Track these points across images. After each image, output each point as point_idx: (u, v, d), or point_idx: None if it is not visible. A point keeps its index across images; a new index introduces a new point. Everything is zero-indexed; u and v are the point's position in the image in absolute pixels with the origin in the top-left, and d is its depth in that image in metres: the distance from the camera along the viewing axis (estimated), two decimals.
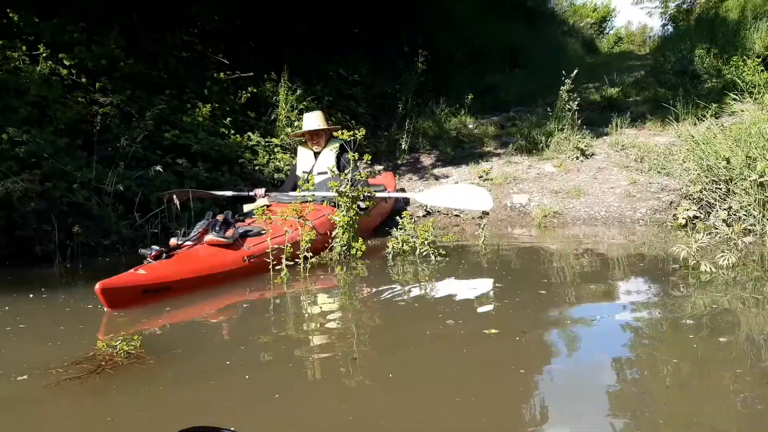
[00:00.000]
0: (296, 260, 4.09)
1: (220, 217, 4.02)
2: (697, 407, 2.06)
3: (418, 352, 2.62)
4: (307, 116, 5.68)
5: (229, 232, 3.95)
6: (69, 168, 5.11)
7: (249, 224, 4.39)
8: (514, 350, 2.59)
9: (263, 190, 5.43)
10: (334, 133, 4.79)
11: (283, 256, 3.97)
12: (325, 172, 5.19)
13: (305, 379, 2.31)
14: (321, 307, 3.49)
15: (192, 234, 3.96)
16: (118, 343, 2.51)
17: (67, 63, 6.04)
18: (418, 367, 2.45)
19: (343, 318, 3.22)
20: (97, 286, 3.15)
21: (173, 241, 3.87)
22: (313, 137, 5.55)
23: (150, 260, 3.60)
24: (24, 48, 5.90)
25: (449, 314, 3.09)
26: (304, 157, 5.64)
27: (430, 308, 3.28)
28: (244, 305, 3.63)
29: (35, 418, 2.05)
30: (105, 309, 3.22)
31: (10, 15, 6.01)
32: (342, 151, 5.39)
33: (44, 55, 5.90)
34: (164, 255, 3.66)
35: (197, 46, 7.75)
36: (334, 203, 4.81)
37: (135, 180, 5.57)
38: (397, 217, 4.88)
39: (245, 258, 3.94)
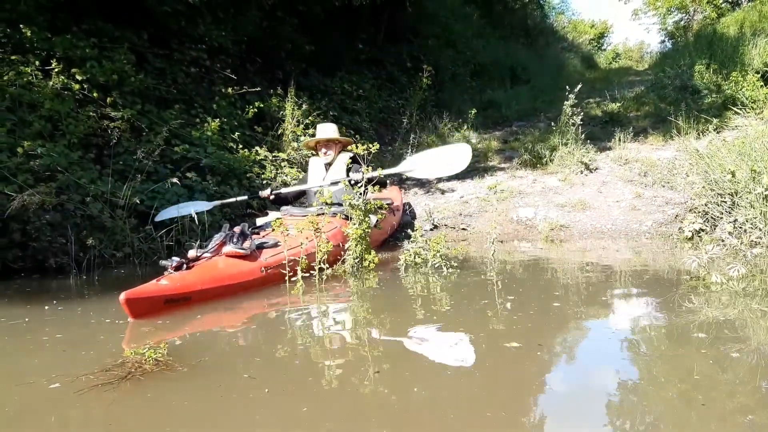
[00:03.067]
0: (311, 272, 4.14)
1: (236, 229, 4.11)
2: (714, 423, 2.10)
3: (442, 365, 2.59)
4: (321, 126, 5.77)
5: (246, 244, 4.03)
6: (83, 181, 5.16)
7: (263, 236, 4.49)
8: (537, 364, 2.61)
9: (269, 190, 5.64)
10: (349, 147, 4.85)
11: (299, 268, 4.01)
12: (337, 182, 5.30)
13: (328, 394, 2.29)
14: (338, 320, 3.47)
15: (210, 246, 4.04)
16: (145, 350, 2.54)
17: (79, 78, 6.11)
18: (443, 381, 2.43)
19: (361, 330, 3.22)
20: (122, 296, 3.21)
21: (192, 253, 3.94)
22: (326, 146, 5.60)
23: (171, 271, 3.67)
24: (37, 63, 5.98)
25: (467, 327, 3.11)
26: (315, 169, 5.69)
27: (448, 320, 3.29)
28: (262, 316, 3.63)
29: (72, 424, 2.09)
30: (129, 319, 3.27)
31: (23, 30, 6.09)
32: (353, 163, 5.47)
33: (56, 70, 5.98)
34: (185, 266, 3.74)
35: (205, 62, 7.85)
36: (346, 216, 4.89)
37: (147, 194, 5.63)
38: (409, 230, 4.93)
39: (263, 269, 4.04)
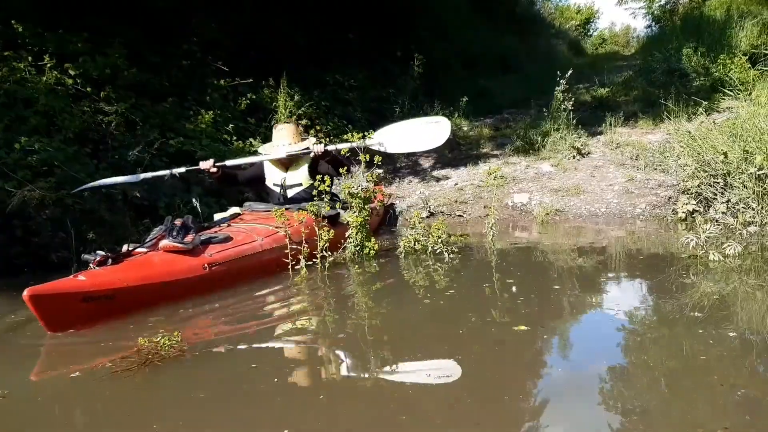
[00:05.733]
0: (314, 260, 4.15)
1: (178, 222, 3.68)
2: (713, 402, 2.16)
3: (457, 351, 2.60)
4: (276, 133, 5.07)
5: (188, 238, 3.59)
6: (81, 175, 5.17)
7: (215, 231, 4.08)
8: (546, 347, 2.67)
9: (212, 161, 4.77)
10: (349, 136, 4.81)
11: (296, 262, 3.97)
12: (299, 184, 4.89)
13: (342, 383, 2.32)
14: (343, 308, 3.51)
15: (147, 239, 3.67)
16: (159, 338, 2.58)
17: (72, 73, 6.10)
18: (460, 366, 2.43)
19: (370, 319, 3.25)
20: (25, 292, 2.72)
21: (125, 247, 3.58)
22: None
23: (93, 266, 3.28)
24: (30, 59, 5.96)
25: (474, 311, 3.15)
26: (274, 164, 5.01)
27: (454, 306, 3.34)
28: (266, 305, 3.66)
29: (98, 409, 2.14)
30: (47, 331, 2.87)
31: (15, 26, 6.07)
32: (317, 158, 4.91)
33: (49, 65, 5.97)
34: (110, 260, 3.33)
35: (197, 55, 7.84)
36: (314, 213, 4.36)
37: (145, 187, 5.63)
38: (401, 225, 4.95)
39: (205, 266, 3.56)
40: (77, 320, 2.95)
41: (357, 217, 4.53)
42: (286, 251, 4.02)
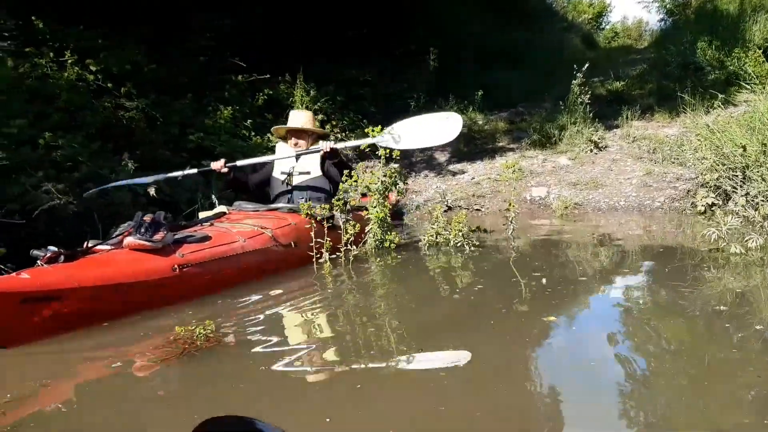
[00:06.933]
0: (337, 253, 4.17)
1: (147, 218, 3.30)
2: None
3: (489, 341, 2.64)
4: (293, 113, 5.06)
5: (158, 236, 3.22)
6: (105, 171, 5.22)
7: (194, 230, 3.77)
8: (578, 338, 2.70)
9: (223, 161, 4.59)
10: (369, 131, 4.75)
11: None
12: (308, 172, 4.78)
13: (379, 373, 2.33)
14: (371, 301, 3.50)
15: (113, 236, 3.37)
16: (193, 328, 2.62)
17: (93, 69, 6.16)
18: (494, 357, 2.46)
19: (397, 311, 3.26)
20: None
21: (86, 243, 3.22)
22: (297, 136, 4.87)
23: (41, 263, 2.89)
24: (51, 55, 6.02)
25: (502, 302, 3.17)
26: (283, 156, 4.90)
27: (483, 297, 3.36)
28: (293, 297, 3.59)
29: (139, 398, 2.18)
30: None
31: (36, 22, 6.13)
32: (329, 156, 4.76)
33: (70, 61, 6.03)
34: (62, 258, 2.94)
35: (215, 51, 7.90)
36: (309, 214, 4.23)
37: (165, 181, 5.68)
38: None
39: (175, 267, 3.20)
40: (18, 328, 2.56)
41: (377, 212, 4.54)
42: (291, 248, 3.93)
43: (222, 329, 2.77)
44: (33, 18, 6.16)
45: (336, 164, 4.69)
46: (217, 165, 4.55)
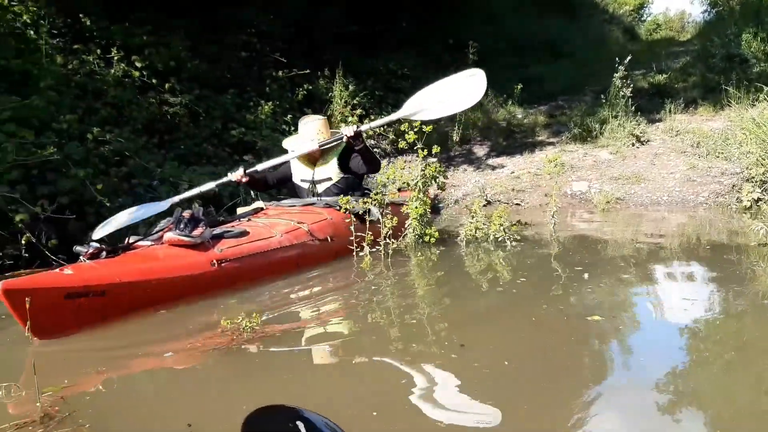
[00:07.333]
0: (377, 246, 4.18)
1: (186, 214, 3.34)
2: None
3: (529, 339, 2.62)
4: (302, 127, 4.64)
5: (197, 231, 3.29)
6: (151, 165, 5.34)
7: (232, 226, 3.80)
8: (622, 337, 2.67)
9: (241, 170, 4.45)
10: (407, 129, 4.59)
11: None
12: (328, 179, 4.60)
13: (420, 369, 2.33)
14: (412, 294, 3.54)
15: (153, 232, 3.42)
16: (240, 320, 2.67)
17: (138, 65, 6.29)
18: (535, 355, 2.45)
19: (439, 305, 3.29)
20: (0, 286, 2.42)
21: (128, 239, 3.32)
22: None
23: (84, 259, 2.96)
24: (98, 52, 6.17)
25: (545, 299, 3.15)
26: (301, 160, 4.68)
27: (523, 293, 3.34)
28: (334, 290, 3.66)
29: (191, 386, 2.26)
30: (31, 339, 2.56)
31: (83, 20, 6.28)
32: (347, 151, 4.62)
33: (116, 58, 6.17)
34: (104, 253, 3.02)
35: (255, 47, 8.00)
36: (339, 207, 4.26)
37: (210, 176, 5.78)
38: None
39: (214, 262, 3.26)
40: (62, 321, 2.62)
41: (417, 207, 4.54)
42: (325, 242, 3.96)
43: (267, 322, 2.83)
44: (81, 16, 6.32)
45: (360, 152, 4.45)
46: (237, 175, 4.43)
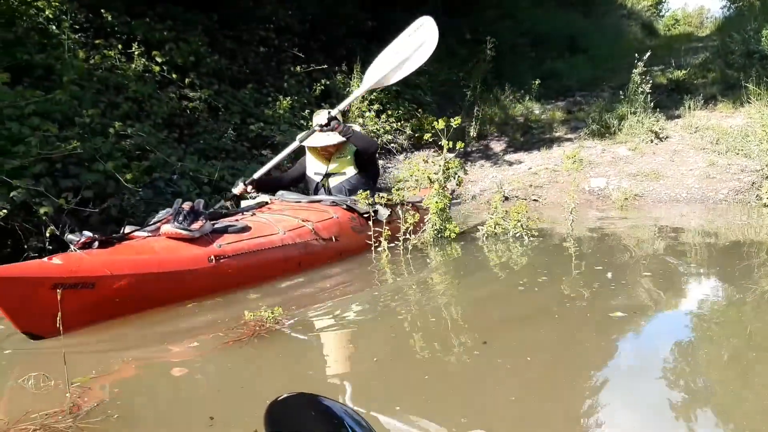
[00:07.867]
0: (396, 242, 4.19)
1: (186, 206, 3.21)
2: None
3: (552, 336, 2.62)
4: (316, 120, 4.45)
5: (196, 225, 3.15)
6: (172, 159, 5.39)
7: (235, 220, 3.70)
8: (646, 335, 2.68)
9: (240, 183, 4.50)
10: (436, 124, 4.53)
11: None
12: (343, 173, 4.54)
13: (442, 365, 2.34)
14: (433, 290, 3.54)
15: (150, 223, 3.29)
16: (262, 312, 2.71)
17: (159, 60, 6.34)
18: (558, 352, 2.46)
19: (460, 301, 3.30)
20: None
21: (123, 229, 3.22)
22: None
23: (75, 248, 2.82)
24: (120, 47, 6.22)
25: (567, 296, 3.16)
26: (315, 156, 4.65)
27: (545, 290, 3.33)
28: (354, 285, 3.69)
29: (216, 376, 2.30)
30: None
31: (104, 15, 6.34)
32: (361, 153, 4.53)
33: (137, 53, 6.22)
34: (96, 243, 2.88)
35: (273, 42, 8.04)
36: (349, 207, 4.24)
37: (229, 171, 5.83)
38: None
39: (211, 257, 3.11)
40: (47, 313, 2.47)
41: (437, 202, 4.56)
42: (330, 241, 3.87)
43: (288, 314, 2.85)
44: (102, 11, 6.37)
45: (352, 141, 4.35)
46: (239, 189, 4.45)
